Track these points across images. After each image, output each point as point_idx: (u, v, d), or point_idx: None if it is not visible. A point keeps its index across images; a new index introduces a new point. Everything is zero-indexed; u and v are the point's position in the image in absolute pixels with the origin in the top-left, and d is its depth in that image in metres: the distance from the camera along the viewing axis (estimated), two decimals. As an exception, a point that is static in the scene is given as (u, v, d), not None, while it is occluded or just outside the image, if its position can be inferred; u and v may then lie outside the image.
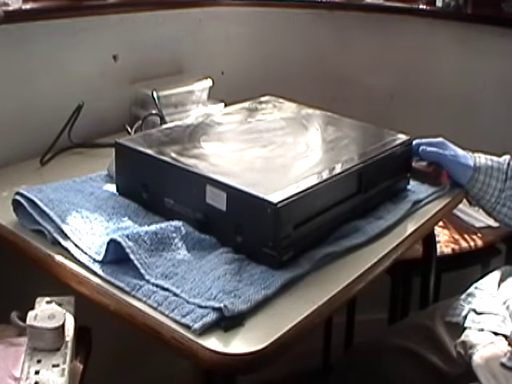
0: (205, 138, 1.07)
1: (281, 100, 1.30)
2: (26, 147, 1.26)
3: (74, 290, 0.88)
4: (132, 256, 0.84)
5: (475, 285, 1.18)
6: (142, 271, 0.84)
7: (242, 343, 0.74)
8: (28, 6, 1.25)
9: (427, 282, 1.43)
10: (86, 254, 0.90)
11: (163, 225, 0.91)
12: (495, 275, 1.20)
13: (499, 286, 1.16)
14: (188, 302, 0.79)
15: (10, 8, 1.21)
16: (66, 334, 0.88)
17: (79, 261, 0.89)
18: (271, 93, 1.33)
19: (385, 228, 1.00)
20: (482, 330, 1.05)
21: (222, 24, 1.69)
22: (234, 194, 0.88)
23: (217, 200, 0.89)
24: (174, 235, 0.90)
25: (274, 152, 1.03)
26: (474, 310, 1.10)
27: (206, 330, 0.75)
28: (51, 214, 0.95)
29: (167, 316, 0.78)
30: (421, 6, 1.76)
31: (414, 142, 1.15)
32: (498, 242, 1.59)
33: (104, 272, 0.86)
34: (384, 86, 1.83)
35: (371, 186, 1.03)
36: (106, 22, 1.40)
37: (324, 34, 1.82)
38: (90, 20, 1.36)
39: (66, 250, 0.91)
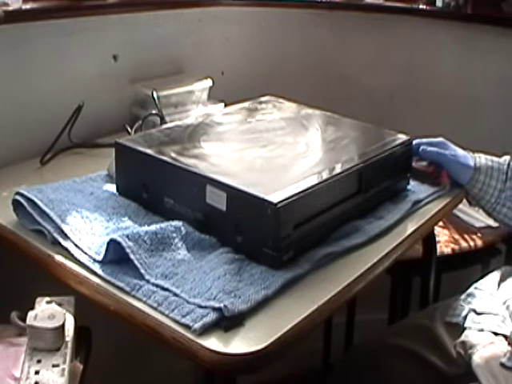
0: (205, 138, 1.07)
1: (281, 100, 1.30)
2: (26, 147, 1.26)
3: (74, 290, 0.88)
4: (132, 256, 0.84)
5: (475, 285, 1.18)
6: (142, 271, 0.84)
7: (242, 343, 0.74)
8: (28, 6, 1.25)
9: (427, 282, 1.43)
10: (85, 253, 0.90)
11: (163, 225, 0.91)
12: (495, 275, 1.20)
13: (499, 286, 1.16)
14: (188, 302, 0.79)
15: (10, 8, 1.21)
16: (66, 333, 0.88)
17: (79, 261, 0.89)
18: (271, 93, 1.33)
19: (385, 228, 1.00)
20: (481, 330, 1.05)
21: (221, 24, 1.69)
22: (234, 194, 0.88)
23: (217, 200, 0.89)
24: (174, 235, 0.90)
25: (274, 152, 1.03)
26: (474, 310, 1.10)
27: (206, 330, 0.75)
28: (51, 214, 0.95)
29: (167, 316, 0.78)
30: (421, 6, 1.76)
31: (415, 142, 1.15)
32: (497, 242, 1.59)
33: (104, 272, 0.86)
34: (384, 86, 1.83)
35: (371, 185, 1.03)
36: (106, 22, 1.40)
37: (324, 34, 1.82)
38: (89, 20, 1.37)
39: (66, 250, 0.91)
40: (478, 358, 0.99)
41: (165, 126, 1.17)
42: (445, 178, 1.17)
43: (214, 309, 0.76)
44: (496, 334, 1.03)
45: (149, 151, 0.99)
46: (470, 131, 1.65)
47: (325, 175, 0.94)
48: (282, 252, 0.86)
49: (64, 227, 0.93)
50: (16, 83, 1.27)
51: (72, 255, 0.90)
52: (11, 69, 1.26)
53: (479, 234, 1.57)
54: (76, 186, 1.07)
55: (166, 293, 0.81)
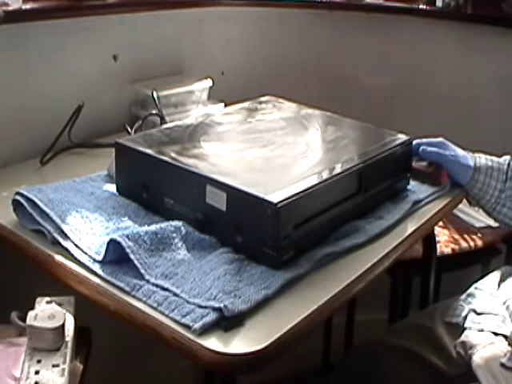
0: (205, 137, 1.07)
1: (281, 100, 1.30)
2: (25, 147, 1.26)
3: (74, 290, 0.88)
4: (132, 256, 0.84)
5: (475, 285, 1.18)
6: (142, 271, 0.84)
7: (242, 343, 0.74)
8: (28, 6, 1.25)
9: (427, 282, 1.43)
10: (85, 253, 0.90)
11: (163, 225, 0.91)
12: (495, 275, 1.20)
13: (499, 286, 1.16)
14: (188, 302, 0.79)
15: (10, 8, 1.21)
16: (66, 333, 0.88)
17: (79, 261, 0.89)
18: (271, 93, 1.33)
19: (385, 228, 1.00)
20: (481, 330, 1.05)
21: (222, 24, 1.69)
22: (234, 194, 0.88)
23: (217, 200, 0.89)
24: (174, 235, 0.90)
25: (274, 152, 1.03)
26: (474, 311, 1.10)
27: (206, 330, 0.75)
28: (51, 214, 0.95)
29: (167, 316, 0.78)
30: (421, 6, 1.76)
31: (414, 142, 1.15)
32: (497, 242, 1.59)
33: (104, 272, 0.86)
34: (384, 86, 1.83)
35: (371, 186, 1.03)
36: (106, 21, 1.40)
37: (324, 34, 1.82)
38: (89, 20, 1.37)
39: (66, 250, 0.91)
40: (478, 358, 0.99)
41: (165, 126, 1.17)
42: (445, 178, 1.17)
43: (214, 309, 0.76)
44: (496, 334, 1.03)
45: (149, 151, 0.99)
46: (470, 131, 1.66)
47: (325, 175, 0.94)
48: (282, 252, 0.86)
49: (64, 227, 0.93)
50: (16, 83, 1.27)
51: (72, 255, 0.90)
52: (11, 69, 1.26)
53: (479, 234, 1.57)
54: (76, 185, 1.07)
55: (166, 293, 0.81)
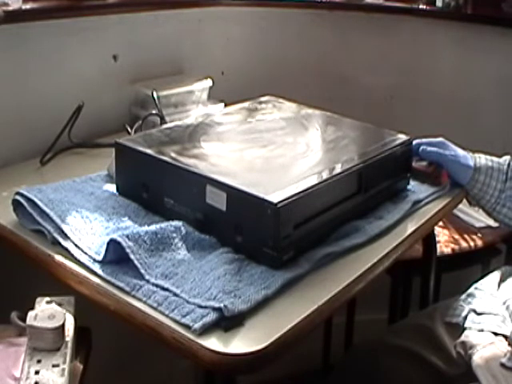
0: (205, 137, 1.07)
1: (281, 100, 1.30)
2: (25, 147, 1.26)
3: (74, 290, 0.88)
4: (132, 256, 0.84)
5: (475, 285, 1.18)
6: (142, 271, 0.84)
7: (242, 343, 0.74)
8: (28, 6, 1.25)
9: (427, 282, 1.43)
10: (85, 253, 0.90)
11: (163, 225, 0.91)
12: (495, 275, 1.20)
13: (499, 286, 1.16)
14: (188, 302, 0.79)
15: (10, 8, 1.21)
16: (66, 333, 0.88)
17: (79, 261, 0.89)
18: (271, 93, 1.33)
19: (385, 228, 1.00)
20: (481, 330, 1.05)
21: (222, 24, 1.69)
22: (233, 194, 0.88)
23: (217, 200, 0.89)
24: (174, 235, 0.90)
25: (274, 152, 1.03)
26: (474, 311, 1.10)
27: (206, 330, 0.75)
28: (51, 214, 0.95)
29: (167, 316, 0.78)
30: (421, 6, 1.76)
31: (414, 142, 1.15)
32: (497, 242, 1.59)
33: (104, 272, 0.86)
34: (384, 86, 1.83)
35: (371, 186, 1.03)
36: (106, 21, 1.40)
37: (324, 34, 1.82)
38: (90, 20, 1.37)
39: (66, 250, 0.91)
40: (478, 358, 0.99)
41: (165, 126, 1.17)
42: (445, 177, 1.17)
43: (214, 309, 0.76)
44: (496, 334, 1.03)
45: (149, 151, 0.99)
46: (470, 131, 1.66)
47: (325, 175, 0.94)
48: (282, 252, 0.86)
49: (64, 227, 0.93)
50: (16, 83, 1.27)
51: (72, 255, 0.90)
52: (11, 69, 1.26)
53: (479, 234, 1.57)
54: (76, 185, 1.07)
55: (166, 293, 0.81)
